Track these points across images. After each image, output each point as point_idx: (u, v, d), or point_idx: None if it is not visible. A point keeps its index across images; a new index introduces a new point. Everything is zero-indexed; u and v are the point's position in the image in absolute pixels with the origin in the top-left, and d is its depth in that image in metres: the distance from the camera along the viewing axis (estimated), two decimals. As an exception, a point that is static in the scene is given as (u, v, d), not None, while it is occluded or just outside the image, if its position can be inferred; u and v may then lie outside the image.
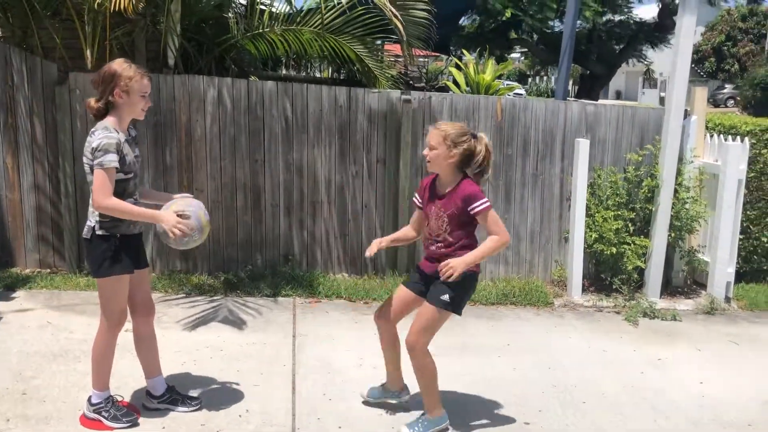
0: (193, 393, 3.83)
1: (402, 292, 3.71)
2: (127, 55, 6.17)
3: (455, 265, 3.36)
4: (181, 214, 3.36)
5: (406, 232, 3.80)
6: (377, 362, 4.45)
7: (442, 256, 3.48)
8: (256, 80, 6.25)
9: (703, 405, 4.13)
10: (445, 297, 3.46)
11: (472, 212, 3.40)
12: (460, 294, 3.50)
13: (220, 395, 3.88)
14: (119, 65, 3.33)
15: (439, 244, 3.51)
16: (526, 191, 6.21)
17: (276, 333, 4.88)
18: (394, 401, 3.86)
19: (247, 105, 5.85)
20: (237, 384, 4.04)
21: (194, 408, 3.70)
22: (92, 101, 3.36)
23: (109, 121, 3.33)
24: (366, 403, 3.88)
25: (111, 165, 3.23)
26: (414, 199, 3.71)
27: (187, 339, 4.68)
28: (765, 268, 6.51)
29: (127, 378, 3.93)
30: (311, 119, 5.93)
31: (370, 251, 3.59)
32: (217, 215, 5.92)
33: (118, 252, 3.35)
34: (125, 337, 3.77)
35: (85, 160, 3.30)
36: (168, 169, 5.83)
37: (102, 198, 3.24)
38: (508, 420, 3.83)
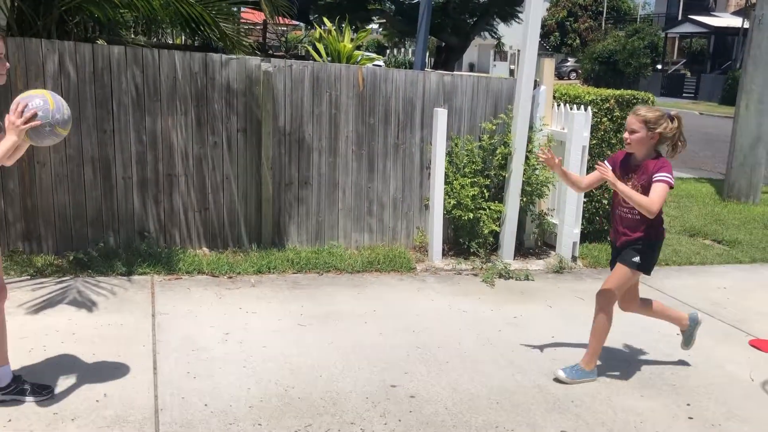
0: (45, 381, 3.57)
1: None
2: (-51, 15, 5.54)
3: (608, 175, 3.83)
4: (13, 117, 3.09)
5: (579, 179, 4.35)
6: (243, 337, 4.40)
7: (632, 222, 3.93)
8: (104, 44, 5.83)
9: (555, 358, 4.42)
10: (636, 259, 3.95)
11: (655, 178, 3.77)
12: (647, 256, 3.98)
13: (75, 381, 3.65)
14: None
15: (634, 212, 3.90)
16: (389, 160, 6.29)
17: (133, 312, 4.65)
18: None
19: (93, 71, 5.45)
20: (93, 368, 3.82)
21: (46, 397, 3.45)
22: None
23: None
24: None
25: None
26: (604, 162, 4.01)
27: (34, 324, 4.35)
28: (606, 228, 7.04)
29: (-35, 370, 3.59)
30: (164, 87, 5.63)
31: (547, 156, 3.98)
32: (63, 190, 5.51)
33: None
34: (-40, 325, 3.44)
35: None
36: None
37: None
38: (375, 384, 3.90)
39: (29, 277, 5.13)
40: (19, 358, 3.75)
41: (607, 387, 4.08)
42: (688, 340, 4.37)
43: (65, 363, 3.85)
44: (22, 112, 3.09)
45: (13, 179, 5.38)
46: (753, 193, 9.66)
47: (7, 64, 3.12)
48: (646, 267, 4.02)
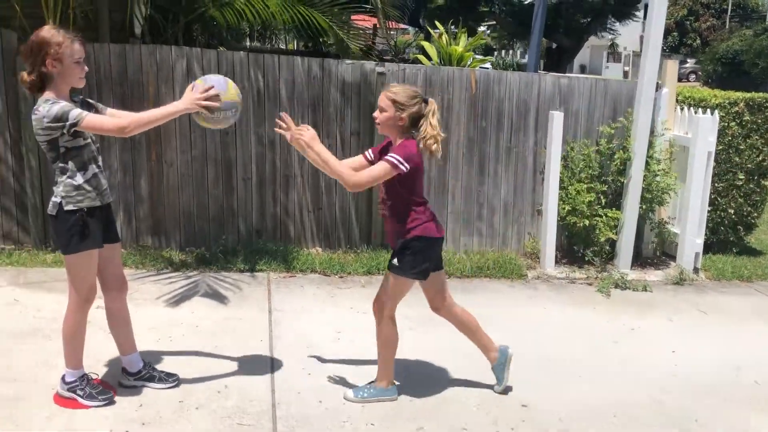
0: (171, 370, 3.77)
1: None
2: (92, 25, 5.97)
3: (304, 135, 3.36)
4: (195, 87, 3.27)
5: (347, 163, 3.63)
6: (354, 336, 4.47)
7: (386, 219, 3.51)
8: (226, 51, 6.10)
9: (675, 373, 4.21)
10: (394, 261, 3.46)
11: (380, 158, 3.34)
12: (409, 258, 3.43)
13: (198, 371, 3.83)
14: (47, 32, 3.15)
15: (382, 206, 3.51)
16: (500, 164, 6.21)
17: (251, 308, 4.83)
18: None
19: (218, 76, 5.70)
20: (214, 360, 3.99)
21: (172, 385, 3.64)
22: (24, 75, 3.18)
23: (48, 94, 3.16)
24: None
25: (84, 114, 3.11)
26: (366, 152, 3.60)
27: (161, 315, 4.60)
28: (731, 239, 6.65)
29: (101, 356, 3.84)
30: (283, 91, 5.82)
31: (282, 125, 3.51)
32: (188, 189, 5.80)
33: (85, 226, 3.24)
34: (98, 314, 3.70)
35: (39, 138, 3.17)
36: (136, 143, 5.67)
37: (117, 126, 3.19)
38: (486, 390, 3.85)
39: (156, 271, 5.44)
40: (148, 347, 3.98)
41: (733, 407, 3.83)
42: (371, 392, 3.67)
43: (189, 353, 4.05)
44: (207, 91, 3.24)
45: (143, 177, 5.72)
46: None
47: (86, 68, 3.28)
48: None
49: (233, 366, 3.93)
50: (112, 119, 3.28)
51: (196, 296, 4.97)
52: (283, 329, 4.51)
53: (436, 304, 3.76)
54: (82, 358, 3.44)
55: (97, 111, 3.35)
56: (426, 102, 3.41)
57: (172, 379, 3.66)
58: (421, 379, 3.94)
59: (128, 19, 5.93)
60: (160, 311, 4.68)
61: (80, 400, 3.39)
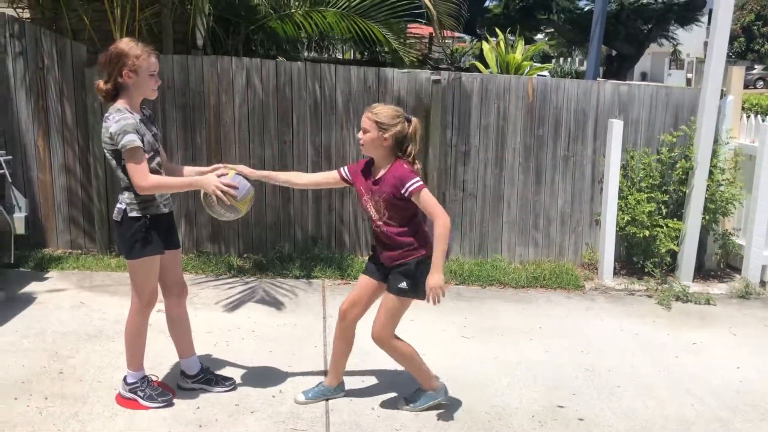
0: (227, 373, 3.84)
1: (363, 281, 3.60)
2: (156, 37, 6.17)
3: (433, 285, 3.28)
4: (219, 174, 3.36)
5: (313, 176, 3.86)
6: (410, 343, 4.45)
7: (388, 242, 3.41)
8: (284, 61, 6.21)
9: (740, 390, 4.06)
10: (403, 285, 3.39)
11: (405, 194, 3.27)
12: (415, 280, 3.39)
13: (254, 376, 3.90)
14: (126, 44, 3.27)
15: (383, 230, 3.41)
16: (557, 173, 6.12)
17: (306, 314, 4.88)
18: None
19: (276, 86, 5.82)
20: (270, 365, 4.05)
21: (228, 388, 3.71)
22: (101, 83, 3.31)
23: (121, 103, 3.28)
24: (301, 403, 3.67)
25: (134, 145, 3.19)
26: (342, 169, 3.57)
27: (219, 320, 4.70)
28: (800, 251, 6.37)
29: (161, 358, 3.96)
30: (340, 100, 5.88)
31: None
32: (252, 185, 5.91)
33: (149, 233, 3.35)
34: (158, 318, 3.80)
35: (104, 145, 3.28)
36: (197, 151, 5.83)
37: (141, 179, 3.22)
38: (541, 402, 3.80)
39: (215, 276, 5.56)
40: (205, 351, 4.07)
41: (803, 428, 3.67)
42: (422, 401, 3.63)
43: (245, 358, 4.12)
44: (230, 186, 3.31)
45: (203, 185, 5.86)
46: None
47: (159, 81, 3.37)
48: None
49: (288, 371, 3.98)
50: (138, 174, 3.21)
51: (252, 302, 5.06)
52: (338, 336, 4.53)
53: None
54: (143, 360, 3.54)
55: (157, 136, 3.43)
56: (409, 121, 3.36)
57: (229, 383, 3.74)
58: (470, 389, 3.91)
59: (191, 31, 6.11)
60: (218, 316, 4.78)
61: (140, 401, 3.49)
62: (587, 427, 3.59)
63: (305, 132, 5.90)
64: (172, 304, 3.65)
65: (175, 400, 3.57)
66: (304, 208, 6.00)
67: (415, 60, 7.26)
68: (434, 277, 3.29)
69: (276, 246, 5.97)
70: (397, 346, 3.56)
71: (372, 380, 3.95)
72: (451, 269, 5.83)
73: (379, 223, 3.41)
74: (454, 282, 5.71)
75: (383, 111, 3.33)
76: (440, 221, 3.26)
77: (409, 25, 9.35)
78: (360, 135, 3.38)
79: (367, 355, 4.27)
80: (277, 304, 5.03)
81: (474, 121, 5.99)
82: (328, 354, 4.25)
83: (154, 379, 3.67)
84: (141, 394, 3.50)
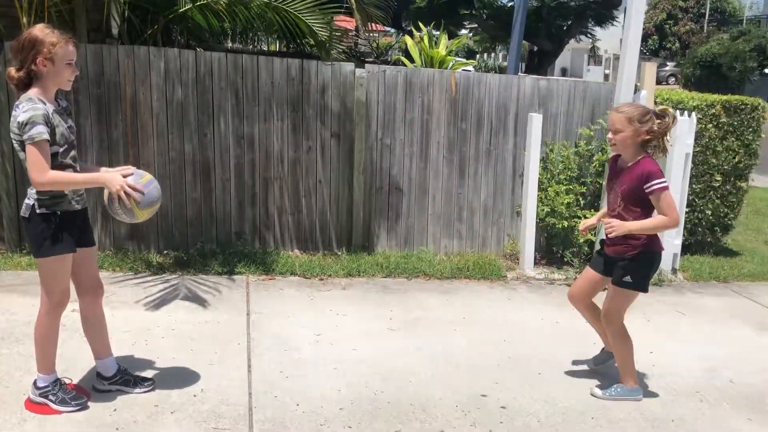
0: (146, 374, 3.72)
1: (589, 273, 3.96)
2: (68, 25, 5.90)
3: (616, 225, 3.55)
4: (126, 174, 3.21)
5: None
6: (333, 338, 4.44)
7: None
8: (204, 51, 6.05)
9: (653, 374, 4.23)
10: (627, 278, 3.67)
11: (647, 190, 3.52)
12: (639, 273, 3.68)
13: (174, 375, 3.79)
14: (41, 31, 3.10)
15: (614, 217, 3.66)
16: (480, 166, 6.22)
17: (229, 311, 4.79)
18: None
19: (196, 77, 5.67)
20: (191, 363, 3.94)
21: (147, 389, 3.59)
22: (13, 71, 3.13)
23: (34, 92, 3.12)
24: (593, 370, 4.11)
25: (41, 138, 3.03)
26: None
27: (138, 319, 4.54)
28: (709, 240, 6.70)
29: (76, 360, 3.79)
30: (262, 92, 5.78)
31: (583, 230, 3.96)
32: (166, 192, 5.74)
33: (59, 230, 3.19)
34: (73, 317, 3.65)
35: (12, 136, 3.11)
36: (113, 144, 5.62)
37: (38, 174, 3.05)
38: (465, 392, 3.85)
39: (133, 274, 5.38)
40: (122, 351, 3.93)
41: (710, 407, 3.86)
42: (613, 391, 3.89)
43: (165, 357, 4.00)
44: (136, 190, 3.17)
45: (120, 180, 5.65)
46: None
47: (77, 71, 3.22)
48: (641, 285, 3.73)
49: (210, 370, 3.89)
50: (36, 168, 3.05)
51: (174, 299, 4.92)
52: (262, 332, 4.47)
53: None
54: (55, 363, 3.39)
55: (69, 129, 3.25)
56: (659, 117, 3.58)
57: (148, 384, 3.62)
58: (396, 381, 3.92)
59: (105, 19, 5.87)
60: (137, 315, 4.63)
61: (52, 405, 3.34)
62: (509, 414, 3.66)
63: (227, 124, 5.77)
64: (88, 303, 3.50)
65: (90, 403, 3.43)
66: (226, 201, 5.88)
67: (341, 53, 7.21)
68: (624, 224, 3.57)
69: (198, 241, 5.82)
70: (622, 333, 3.82)
71: (297, 375, 3.91)
72: (378, 262, 5.84)
73: (614, 214, 3.67)
74: (381, 275, 5.72)
75: (633, 111, 3.55)
76: (667, 219, 3.53)
77: (335, 18, 9.29)
78: (610, 135, 3.62)
79: (293, 350, 4.23)
80: (199, 301, 4.91)
81: (399, 115, 6.01)
82: (252, 350, 4.18)
83: (68, 381, 3.51)
84: (53, 398, 3.35)
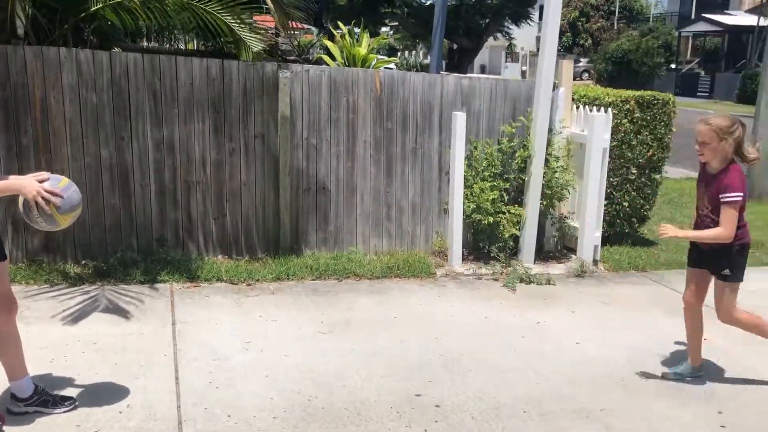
0: (66, 392, 3.54)
1: (690, 273, 4.12)
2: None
3: (667, 229, 3.85)
4: (41, 179, 3.03)
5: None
6: (263, 345, 4.36)
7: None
8: (120, 52, 5.82)
9: (580, 364, 4.34)
10: (726, 272, 3.91)
11: (721, 199, 3.75)
12: (733, 265, 3.90)
13: (97, 392, 3.62)
14: None
15: (705, 221, 3.90)
16: (407, 165, 6.23)
17: (153, 321, 4.62)
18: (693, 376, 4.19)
19: (111, 79, 5.44)
20: (115, 378, 3.79)
21: (68, 408, 3.42)
22: None
23: None
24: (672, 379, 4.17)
25: None
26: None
27: (56, 334, 4.33)
28: (627, 231, 6.95)
29: (-13, 381, 3.57)
30: (182, 93, 5.61)
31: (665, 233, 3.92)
32: (83, 198, 5.48)
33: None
34: (-17, 337, 3.42)
35: None
36: (23, 150, 5.33)
37: None
38: (399, 392, 3.84)
39: (49, 286, 5.12)
40: (40, 369, 3.73)
41: (635, 394, 3.99)
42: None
43: (87, 373, 3.82)
44: (56, 195, 3.01)
45: (31, 188, 5.37)
46: (776, 193, 9.51)
47: None
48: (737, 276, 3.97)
49: (135, 384, 3.74)
50: None
51: (94, 312, 4.71)
52: (188, 342, 4.34)
53: None
54: (-35, 386, 3.18)
55: None
56: (743, 126, 3.80)
57: (68, 403, 3.45)
58: (329, 385, 3.88)
59: (9, 18, 5.55)
60: (54, 329, 4.40)
61: (-37, 432, 3.13)
62: (443, 412, 3.68)
63: (145, 127, 5.57)
64: (1, 321, 3.30)
65: (5, 428, 3.24)
66: (146, 206, 5.68)
67: (261, 51, 7.07)
68: (677, 231, 3.92)
69: (117, 250, 5.60)
70: (743, 319, 4.04)
71: (227, 385, 3.81)
72: (307, 264, 5.78)
73: (702, 213, 3.93)
74: (310, 277, 5.65)
75: (720, 123, 3.74)
76: (721, 231, 3.78)
77: (257, 16, 9.10)
78: (698, 147, 3.81)
79: (222, 359, 4.12)
80: (121, 313, 4.72)
81: (324, 114, 5.95)
82: (179, 361, 4.05)
83: (-21, 406, 3.30)
84: (-37, 425, 3.14)
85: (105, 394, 3.61)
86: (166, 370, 3.94)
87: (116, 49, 7.07)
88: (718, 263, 3.94)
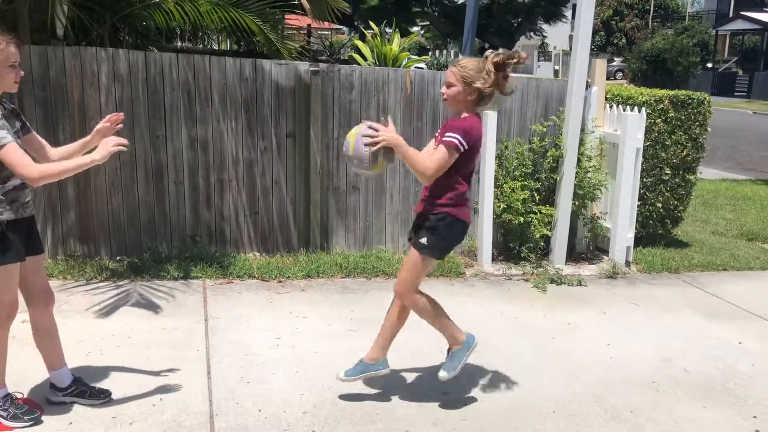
0: (102, 384, 3.62)
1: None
2: (9, 25, 5.69)
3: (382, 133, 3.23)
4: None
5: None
6: (294, 341, 4.40)
7: (425, 194, 3.46)
8: (155, 52, 5.93)
9: (611, 366, 4.31)
10: (423, 240, 3.42)
11: (443, 139, 3.25)
12: (436, 238, 3.42)
13: (131, 385, 3.69)
14: None
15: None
16: (437, 164, 6.22)
17: (187, 317, 4.69)
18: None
19: (146, 78, 5.54)
20: (149, 372, 3.86)
21: (104, 400, 3.49)
22: None
23: None
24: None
25: (7, 141, 2.97)
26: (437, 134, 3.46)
27: (92, 327, 4.42)
28: (660, 232, 6.87)
29: (28, 372, 3.66)
30: (215, 92, 5.69)
31: None
32: (117, 195, 5.61)
33: (5, 240, 3.09)
34: (23, 328, 3.53)
35: None
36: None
37: (25, 171, 2.99)
38: (428, 391, 3.85)
39: (85, 281, 5.23)
40: (77, 362, 3.81)
41: (666, 396, 3.95)
42: (452, 365, 3.65)
43: (122, 367, 3.90)
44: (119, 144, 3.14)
45: (69, 184, 5.50)
46: (814, 195, 9.31)
47: (22, 72, 3.14)
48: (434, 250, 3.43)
49: (168, 378, 3.81)
50: (26, 164, 3.03)
51: (128, 306, 4.81)
52: (220, 338, 4.40)
53: None
54: (5, 377, 3.27)
55: (25, 128, 3.20)
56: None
57: (104, 395, 3.52)
58: (358, 383, 3.90)
59: (49, 19, 5.69)
60: (90, 323, 4.50)
61: (4, 421, 3.22)
62: (473, 412, 3.67)
63: (179, 126, 5.66)
64: (38, 313, 3.39)
65: (44, 417, 3.32)
66: (180, 204, 5.77)
67: (293, 51, 7.14)
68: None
69: (152, 246, 5.70)
70: (419, 299, 3.57)
71: (258, 380, 3.86)
72: (337, 262, 5.81)
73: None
74: (340, 275, 5.69)
75: (469, 63, 3.29)
76: (426, 165, 3.25)
77: (288, 16, 9.18)
78: (443, 89, 3.33)
79: (253, 355, 4.17)
80: (154, 308, 4.81)
81: (355, 113, 5.98)
82: (211, 357, 4.11)
83: (19, 396, 3.40)
84: (4, 414, 3.23)
85: (139, 387, 3.68)
86: (199, 365, 4.00)
87: (152, 49, 7.19)
88: (421, 229, 3.46)
